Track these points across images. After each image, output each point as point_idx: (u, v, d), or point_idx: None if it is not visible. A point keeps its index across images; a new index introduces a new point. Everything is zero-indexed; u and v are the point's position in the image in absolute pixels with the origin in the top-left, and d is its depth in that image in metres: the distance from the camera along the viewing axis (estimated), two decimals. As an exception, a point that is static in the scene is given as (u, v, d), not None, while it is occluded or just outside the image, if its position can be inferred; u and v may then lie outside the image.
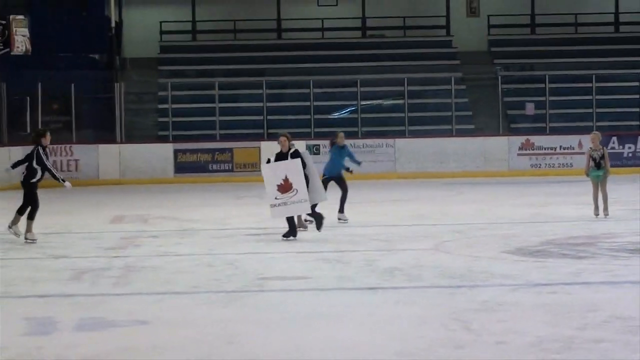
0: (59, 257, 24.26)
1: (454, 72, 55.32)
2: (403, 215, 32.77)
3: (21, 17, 47.83)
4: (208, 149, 48.88)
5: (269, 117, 51.63)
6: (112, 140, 51.16)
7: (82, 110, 52.80)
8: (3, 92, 49.74)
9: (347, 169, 30.19)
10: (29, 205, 25.65)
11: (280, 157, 22.46)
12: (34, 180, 26.39)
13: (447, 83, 53.51)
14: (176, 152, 48.21)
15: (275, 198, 22.04)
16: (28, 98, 51.52)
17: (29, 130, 50.05)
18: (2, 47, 46.91)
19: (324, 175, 29.08)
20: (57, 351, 14.36)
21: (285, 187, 21.75)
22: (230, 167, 44.23)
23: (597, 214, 28.40)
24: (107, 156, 49.13)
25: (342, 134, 30.47)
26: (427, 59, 57.21)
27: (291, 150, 22.55)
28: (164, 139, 48.68)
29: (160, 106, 54.67)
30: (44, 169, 25.58)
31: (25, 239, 25.08)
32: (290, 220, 22.58)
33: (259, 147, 47.51)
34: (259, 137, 49.54)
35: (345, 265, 22.34)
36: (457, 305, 17.95)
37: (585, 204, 31.57)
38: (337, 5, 59.87)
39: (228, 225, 28.53)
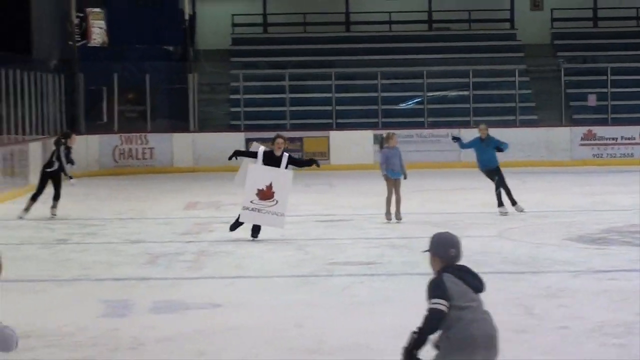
0: (135, 241, 24.80)
1: (518, 64, 53.98)
2: (468, 203, 32.63)
3: (98, 10, 50.29)
4: (279, 138, 46.09)
5: (337, 108, 51.02)
6: (186, 129, 51.58)
7: (157, 100, 52.70)
8: (80, 83, 49.61)
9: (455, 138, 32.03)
10: (42, 189, 28.88)
11: (270, 157, 21.15)
12: (49, 170, 29.66)
13: (512, 75, 52.55)
14: (247, 140, 46.14)
15: (251, 202, 20.92)
16: (105, 88, 51.65)
17: (105, 120, 51.80)
18: (80, 39, 48.70)
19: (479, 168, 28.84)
20: (133, 333, 15.00)
21: (265, 194, 20.75)
22: (299, 156, 42.07)
23: None
24: (181, 144, 49.13)
25: (482, 126, 30.23)
26: (492, 51, 55.87)
27: (284, 154, 21.37)
28: (235, 128, 48.91)
29: (232, 96, 54.56)
30: (60, 163, 29.18)
31: (19, 217, 28.22)
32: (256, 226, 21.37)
33: (328, 137, 48.14)
34: (328, 127, 49.66)
35: (411, 251, 22.30)
36: (520, 291, 18.54)
37: None
38: None
39: (298, 212, 27.73)
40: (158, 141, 47.89)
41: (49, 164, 29.99)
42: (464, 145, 30.34)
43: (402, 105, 52.88)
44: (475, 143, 28.67)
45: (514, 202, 27.16)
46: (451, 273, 10.11)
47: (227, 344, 14.51)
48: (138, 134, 48.86)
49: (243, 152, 22.78)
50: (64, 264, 22.70)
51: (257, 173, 20.56)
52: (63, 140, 30.86)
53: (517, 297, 18.18)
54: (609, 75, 51.51)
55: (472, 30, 58.94)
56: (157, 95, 51.90)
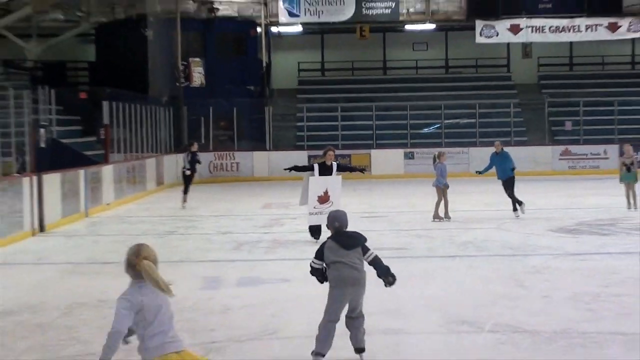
0: (225, 232, 25.53)
1: (512, 99, 54.15)
2: (474, 203, 33.08)
3: (197, 59, 50.06)
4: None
5: (377, 132, 51.48)
6: (263, 149, 51.33)
7: (242, 127, 52.68)
8: (184, 114, 50.67)
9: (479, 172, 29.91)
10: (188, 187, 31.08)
11: (324, 167, 20.25)
12: (184, 171, 31.70)
13: (508, 107, 53.01)
14: (309, 157, 46.80)
15: (314, 207, 19.92)
16: (202, 118, 51.39)
17: (203, 142, 50.32)
18: (184, 82, 48.85)
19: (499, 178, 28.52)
20: (223, 301, 15.68)
21: (324, 198, 19.75)
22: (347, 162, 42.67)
23: (629, 208, 27.79)
24: (260, 160, 49.14)
25: (497, 143, 29.13)
26: (493, 89, 55.81)
27: (334, 164, 20.35)
28: (300, 147, 49.69)
29: (298, 124, 54.91)
30: (192, 165, 31.24)
31: (182, 207, 30.37)
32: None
33: (370, 154, 48.70)
34: (370, 146, 50.33)
35: (432, 240, 23.14)
36: (514, 269, 18.90)
37: (608, 195, 32.24)
38: (427, 50, 59.33)
39: (346, 210, 26.95)
40: (242, 157, 48.45)
41: (183, 168, 31.92)
42: (487, 170, 28.90)
43: (425, 130, 53.00)
44: (492, 158, 27.93)
45: (515, 207, 27.13)
46: (332, 239, 11.73)
47: (293, 310, 14.82)
48: (227, 152, 49.54)
49: (299, 167, 21.84)
50: (172, 250, 22.83)
51: (316, 183, 19.85)
52: (189, 148, 32.68)
53: (511, 273, 18.50)
54: (581, 107, 51.93)
55: (478, 73, 59.21)
56: (242, 123, 52.17)
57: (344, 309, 12.06)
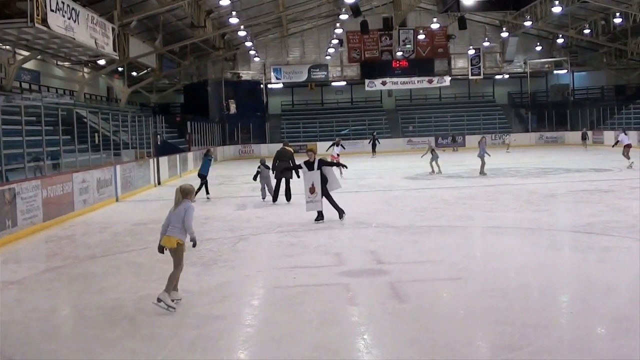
0: (246, 182, 22.71)
1: (383, 116, 57.85)
2: (366, 167, 34.01)
3: (232, 100, 55.56)
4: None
5: (319, 134, 53.15)
6: (264, 142, 52.77)
7: (254, 132, 56.02)
8: (226, 127, 54.92)
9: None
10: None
11: (309, 164, 15.10)
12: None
13: (380, 121, 56.67)
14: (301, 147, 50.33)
15: (308, 197, 15.02)
16: (235, 129, 54.39)
17: (235, 140, 54.66)
18: (226, 111, 54.97)
19: None
20: (246, 216, 17.95)
21: (313, 189, 14.84)
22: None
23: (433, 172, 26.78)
24: (263, 148, 50.13)
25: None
26: (373, 113, 59.20)
27: (316, 160, 15.14)
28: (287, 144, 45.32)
29: (281, 131, 56.46)
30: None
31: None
32: (333, 205, 15.02)
33: (316, 145, 47.03)
34: (315, 141, 50.12)
35: (361, 186, 24.75)
36: (386, 196, 22.40)
37: (426, 163, 31.86)
38: (342, 94, 61.46)
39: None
40: (255, 147, 53.12)
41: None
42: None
43: (342, 132, 52.70)
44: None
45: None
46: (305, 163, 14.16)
47: (286, 216, 16.13)
48: (247, 144, 54.19)
49: (296, 166, 16.49)
50: (221, 191, 25.37)
51: (307, 177, 15.12)
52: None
53: (385, 199, 22.48)
54: (416, 119, 56.92)
55: (366, 105, 61.37)
56: (254, 131, 56.01)
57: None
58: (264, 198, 20.04)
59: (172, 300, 8.15)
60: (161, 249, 8.34)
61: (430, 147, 27.87)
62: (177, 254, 8.20)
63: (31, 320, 7.98)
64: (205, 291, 9.03)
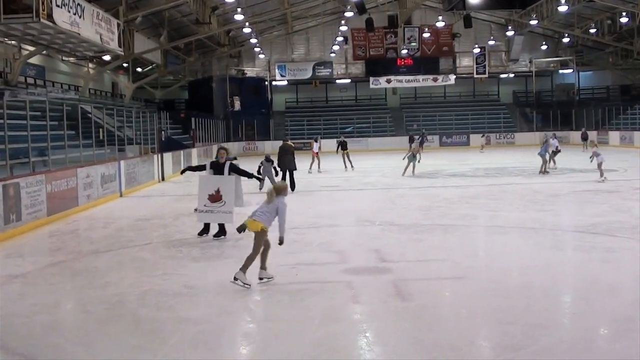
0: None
1: (387, 114, 58.25)
2: (370, 164, 34.35)
3: (237, 97, 56.54)
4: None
5: (323, 130, 51.94)
6: (269, 139, 52.99)
7: (258, 129, 56.27)
8: (230, 123, 55.10)
9: None
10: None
11: (217, 166, 12.85)
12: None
13: (384, 119, 57.16)
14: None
15: (204, 205, 12.52)
16: (239, 125, 54.65)
17: (240, 136, 54.98)
18: (230, 108, 55.77)
19: None
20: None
21: (215, 197, 12.36)
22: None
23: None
24: (267, 144, 49.84)
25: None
26: (378, 111, 59.60)
27: (227, 162, 12.81)
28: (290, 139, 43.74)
29: (285, 127, 56.67)
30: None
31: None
32: (220, 224, 12.69)
33: (317, 139, 38.40)
34: (316, 138, 44.78)
35: (361, 183, 25.20)
36: (389, 195, 21.94)
37: (435, 159, 32.61)
38: (347, 91, 61.91)
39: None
40: (259, 143, 52.88)
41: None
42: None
43: (347, 129, 53.32)
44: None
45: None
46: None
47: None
48: (251, 141, 54.79)
49: (193, 167, 14.05)
50: None
51: (207, 181, 12.72)
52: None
53: (388, 197, 22.34)
54: (421, 118, 56.79)
55: (370, 103, 61.48)
56: (258, 127, 56.29)
57: None
58: (260, 188, 20.02)
59: (262, 279, 8.90)
60: (242, 229, 9.00)
61: (413, 149, 27.78)
62: (259, 238, 8.80)
63: (34, 314, 8.01)
64: (208, 287, 9.08)
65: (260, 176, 14.04)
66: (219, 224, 12.91)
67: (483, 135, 51.73)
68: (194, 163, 33.40)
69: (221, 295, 8.56)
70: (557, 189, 20.66)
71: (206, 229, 13.09)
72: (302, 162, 26.38)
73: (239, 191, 13.04)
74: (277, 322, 7.41)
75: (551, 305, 7.97)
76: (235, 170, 13.06)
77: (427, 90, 62.07)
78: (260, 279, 8.97)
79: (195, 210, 12.96)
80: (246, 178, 13.48)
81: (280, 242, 8.83)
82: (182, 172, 14.01)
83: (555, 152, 27.69)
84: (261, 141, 54.93)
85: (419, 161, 27.93)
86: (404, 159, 27.06)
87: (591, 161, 23.06)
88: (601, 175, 22.14)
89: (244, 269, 8.79)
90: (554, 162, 27.76)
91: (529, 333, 6.72)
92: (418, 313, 7.61)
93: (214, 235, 12.85)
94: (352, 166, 29.46)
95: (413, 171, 26.52)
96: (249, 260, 8.83)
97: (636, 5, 44.88)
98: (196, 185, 12.99)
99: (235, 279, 8.74)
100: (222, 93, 56.35)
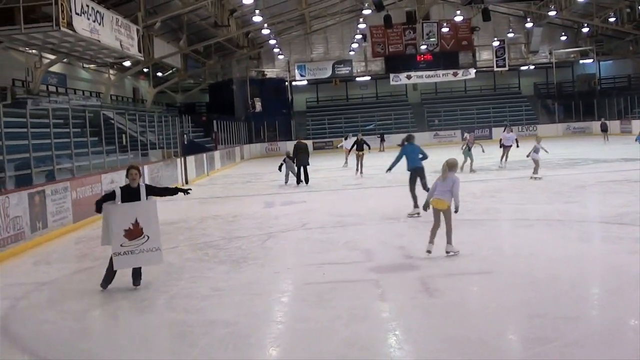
0: (273, 180, 25.78)
1: (409, 110, 58.59)
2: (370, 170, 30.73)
3: (258, 98, 56.47)
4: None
5: (344, 129, 50.35)
6: (290, 139, 49.93)
7: (280, 130, 56.26)
8: (253, 125, 54.25)
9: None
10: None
11: (129, 192, 9.25)
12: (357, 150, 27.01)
13: (406, 116, 57.28)
14: (312, 144, 50.68)
15: (121, 245, 9.03)
16: (261, 127, 54.18)
17: (262, 138, 54.48)
18: (252, 109, 55.75)
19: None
20: (274, 213, 18.56)
21: (134, 232, 9.00)
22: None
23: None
24: (289, 144, 42.17)
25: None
26: (399, 107, 59.66)
27: (141, 185, 9.29)
28: (308, 138, 42.21)
29: (307, 127, 57.23)
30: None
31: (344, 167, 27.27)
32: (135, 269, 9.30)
33: (344, 138, 40.50)
34: (340, 137, 43.10)
35: (368, 181, 25.84)
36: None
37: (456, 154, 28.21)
38: (367, 89, 61.62)
39: None
40: (281, 144, 52.13)
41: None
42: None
43: (367, 127, 53.69)
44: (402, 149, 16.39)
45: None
46: None
47: (310, 214, 16.84)
48: (273, 142, 54.43)
49: (101, 199, 9.43)
50: (249, 188, 25.87)
51: (118, 212, 9.12)
52: (360, 138, 27.74)
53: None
54: (442, 113, 57.24)
55: (391, 99, 61.65)
56: (280, 128, 56.33)
57: None
58: (286, 182, 23.83)
59: (448, 253, 9.99)
60: (426, 207, 10.31)
61: (469, 140, 25.75)
62: (447, 213, 9.98)
63: (63, 320, 8.06)
64: (235, 289, 9.11)
65: (189, 189, 9.74)
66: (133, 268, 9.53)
67: (470, 133, 48.30)
68: (217, 166, 35.24)
69: (248, 297, 8.56)
70: (582, 180, 20.55)
71: (137, 276, 9.47)
72: (327, 160, 30.02)
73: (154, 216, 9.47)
74: (306, 322, 7.39)
75: (580, 297, 7.90)
76: (154, 191, 9.86)
77: (447, 85, 62.36)
78: (447, 253, 10.02)
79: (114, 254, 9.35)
80: (172, 195, 10.27)
81: (456, 211, 9.98)
82: (98, 210, 9.46)
83: (508, 146, 25.79)
84: (283, 141, 54.67)
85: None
86: (463, 151, 24.97)
87: (528, 156, 21.38)
88: (535, 172, 20.95)
89: (449, 241, 10.03)
90: (507, 157, 25.95)
91: (558, 326, 6.68)
92: (446, 309, 7.57)
93: (134, 284, 9.40)
94: (361, 172, 26.77)
95: (471, 167, 24.55)
96: (449, 233, 9.99)
97: (656, -8, 45.27)
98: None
99: (447, 252, 9.95)
100: (242, 95, 56.75)
